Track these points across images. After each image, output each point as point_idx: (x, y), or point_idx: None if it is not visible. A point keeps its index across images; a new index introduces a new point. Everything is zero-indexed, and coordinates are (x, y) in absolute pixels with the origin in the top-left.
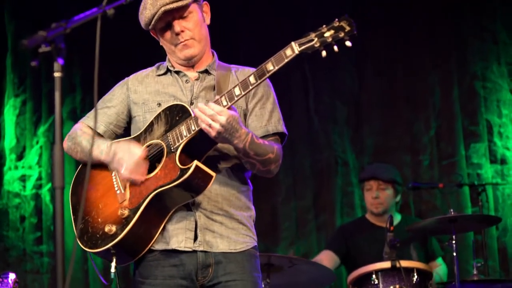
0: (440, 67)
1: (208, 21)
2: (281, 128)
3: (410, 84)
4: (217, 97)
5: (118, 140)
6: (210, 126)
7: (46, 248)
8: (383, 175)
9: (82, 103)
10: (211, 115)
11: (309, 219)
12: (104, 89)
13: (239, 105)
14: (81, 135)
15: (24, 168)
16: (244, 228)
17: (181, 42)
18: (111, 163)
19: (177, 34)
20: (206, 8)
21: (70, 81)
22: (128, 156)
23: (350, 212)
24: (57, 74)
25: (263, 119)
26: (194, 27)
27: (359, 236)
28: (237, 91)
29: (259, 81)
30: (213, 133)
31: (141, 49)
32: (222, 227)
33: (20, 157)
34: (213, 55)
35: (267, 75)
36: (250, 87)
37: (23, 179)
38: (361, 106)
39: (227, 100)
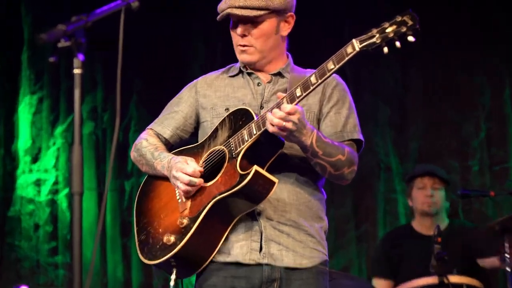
0: (490, 65)
1: (285, 33)
2: (357, 135)
3: (457, 83)
4: (278, 100)
5: (181, 149)
6: (284, 128)
7: (62, 259)
8: (440, 172)
9: (104, 102)
10: (282, 116)
11: (348, 229)
12: (128, 88)
13: (311, 110)
14: (146, 147)
15: (39, 172)
16: (313, 240)
17: (241, 45)
18: (170, 179)
19: (239, 35)
20: (291, 19)
21: (92, 78)
22: (181, 173)
23: (394, 222)
24: (77, 71)
25: (338, 125)
26: (259, 37)
27: (403, 246)
28: (298, 92)
29: (320, 81)
30: (284, 133)
31: (169, 43)
32: (289, 239)
33: (35, 159)
34: (287, 58)
35: (328, 74)
36: (312, 88)
37: (38, 183)
38: (405, 106)
39: (288, 101)
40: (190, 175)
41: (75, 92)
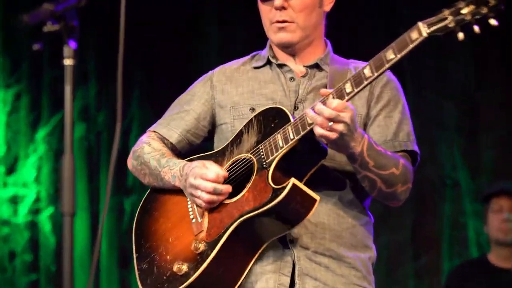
0: None
1: (327, 8)
2: (411, 145)
3: None
4: (324, 97)
5: (194, 157)
6: (331, 129)
7: None
8: None
9: (97, 99)
10: (331, 115)
11: (405, 261)
12: (128, 81)
13: (358, 112)
14: (149, 153)
15: (16, 186)
16: (358, 275)
17: (278, 21)
18: (185, 190)
19: (277, 9)
20: None
21: (82, 69)
22: (202, 180)
23: (463, 252)
24: (68, 62)
25: (389, 132)
26: (301, 10)
27: (476, 283)
28: (348, 87)
29: (376, 74)
30: (333, 137)
31: (177, 27)
32: (328, 273)
33: (10, 170)
34: (326, 45)
35: (387, 65)
36: (365, 82)
37: (14, 201)
38: (478, 107)
39: (336, 97)
40: (213, 181)
41: (66, 89)
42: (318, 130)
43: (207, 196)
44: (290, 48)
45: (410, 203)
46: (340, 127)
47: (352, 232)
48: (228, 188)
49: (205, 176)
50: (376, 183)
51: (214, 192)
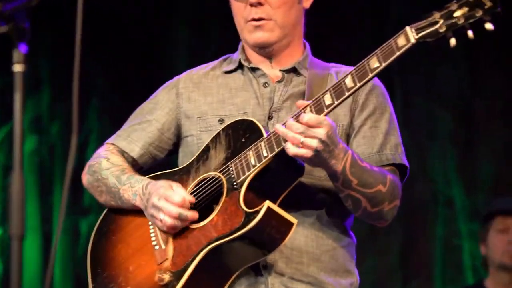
0: None
1: (307, 4)
2: (400, 158)
3: None
4: (300, 109)
5: (158, 174)
6: (303, 145)
7: None
8: None
9: (51, 108)
10: (302, 132)
11: (393, 286)
12: (85, 89)
13: (339, 122)
14: (107, 168)
15: None
16: None
17: (254, 19)
18: (145, 211)
19: (252, 5)
20: None
21: (34, 74)
22: (166, 202)
23: (456, 277)
24: (17, 68)
25: (375, 144)
26: (280, 6)
27: None
28: (327, 99)
29: (359, 85)
30: (307, 155)
31: (141, 27)
32: None
33: None
34: (304, 47)
35: (371, 75)
36: (347, 94)
37: None
38: (475, 116)
39: (314, 111)
40: (179, 205)
41: (16, 97)
42: (289, 148)
43: (170, 221)
44: (267, 49)
45: (398, 223)
46: (313, 143)
47: (333, 255)
48: (194, 215)
49: (171, 198)
50: (360, 203)
51: (179, 218)
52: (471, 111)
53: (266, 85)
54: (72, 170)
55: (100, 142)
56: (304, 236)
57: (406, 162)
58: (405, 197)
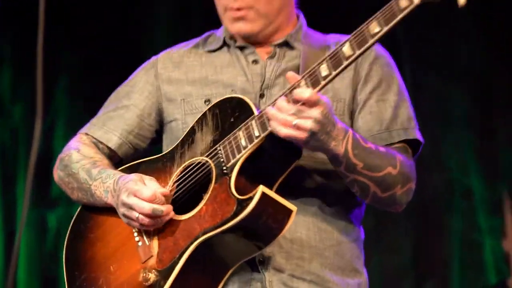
0: None
1: None
2: (413, 132)
3: None
4: (292, 84)
5: (135, 163)
6: (297, 127)
7: None
8: None
9: (13, 88)
10: (294, 113)
11: (406, 287)
12: (53, 67)
13: (340, 98)
14: (78, 161)
15: None
16: None
17: (233, 9)
18: (118, 209)
19: None
20: None
21: None
22: (136, 199)
23: (477, 277)
24: None
25: (384, 119)
26: None
27: None
28: (324, 70)
29: (358, 52)
30: (302, 136)
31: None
32: None
33: None
34: (297, 19)
35: (371, 41)
36: (345, 63)
37: None
38: (494, 97)
39: (309, 84)
40: (150, 201)
41: None
42: (280, 129)
43: (145, 220)
44: (251, 39)
45: (410, 216)
46: (308, 124)
47: (338, 251)
48: (168, 208)
49: (140, 193)
50: (368, 188)
51: (153, 214)
52: (490, 91)
53: (256, 62)
54: (36, 157)
55: (69, 127)
56: (305, 227)
57: (420, 137)
58: (417, 188)
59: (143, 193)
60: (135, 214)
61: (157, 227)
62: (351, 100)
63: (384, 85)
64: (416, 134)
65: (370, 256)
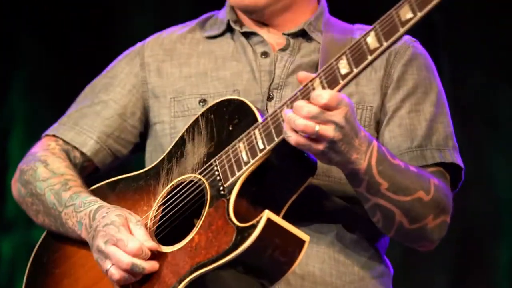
0: None
1: None
2: (451, 155)
3: None
4: (305, 84)
5: (116, 180)
6: (318, 136)
7: None
8: None
9: None
10: (316, 116)
11: None
12: (7, 55)
13: (365, 103)
14: (45, 179)
15: None
16: None
17: None
18: (92, 251)
19: None
20: None
21: None
22: (116, 249)
23: None
24: None
25: (415, 135)
26: None
27: None
28: (343, 66)
29: (386, 45)
30: (320, 147)
31: None
32: None
33: None
34: (317, 3)
35: (402, 30)
36: (369, 58)
37: None
38: None
39: (325, 84)
40: (134, 255)
41: None
42: (292, 137)
43: (118, 275)
44: (254, 15)
45: (448, 244)
46: (329, 131)
47: None
48: (152, 267)
49: (122, 245)
50: (393, 217)
51: (131, 271)
52: None
53: (265, 55)
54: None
55: (28, 128)
56: (319, 260)
57: (460, 161)
58: (457, 210)
59: (127, 246)
60: (107, 265)
61: (123, 285)
62: (379, 108)
63: (419, 92)
64: (455, 158)
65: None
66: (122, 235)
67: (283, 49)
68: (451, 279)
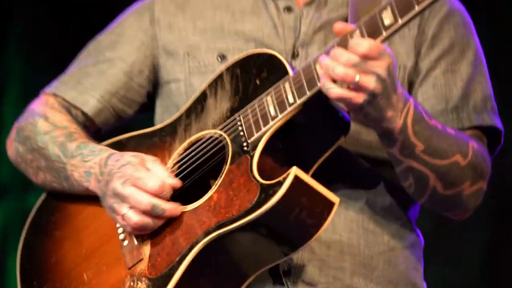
0: None
1: None
2: (490, 117)
3: None
4: (343, 34)
5: (127, 137)
6: (355, 85)
7: None
8: None
9: None
10: (354, 62)
11: None
12: (5, 10)
13: (400, 63)
14: (47, 132)
15: None
16: None
17: None
18: (103, 200)
19: None
20: None
21: None
22: (135, 189)
23: None
24: None
25: (451, 96)
26: None
27: None
28: (386, 17)
29: None
30: (358, 100)
31: None
32: None
33: None
34: None
35: None
36: (417, 9)
37: None
38: None
39: (366, 36)
40: (154, 194)
41: None
42: (331, 88)
43: (136, 218)
44: None
45: (482, 218)
46: (370, 83)
47: (390, 260)
48: (174, 209)
49: (142, 183)
50: (427, 181)
51: (152, 212)
52: None
53: (289, 10)
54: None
55: (24, 88)
56: (347, 228)
57: (499, 124)
58: (493, 176)
59: (147, 184)
60: (123, 209)
61: (145, 233)
62: (412, 68)
63: (456, 51)
64: (495, 120)
65: (426, 269)
66: (141, 174)
67: (308, 4)
68: (486, 253)
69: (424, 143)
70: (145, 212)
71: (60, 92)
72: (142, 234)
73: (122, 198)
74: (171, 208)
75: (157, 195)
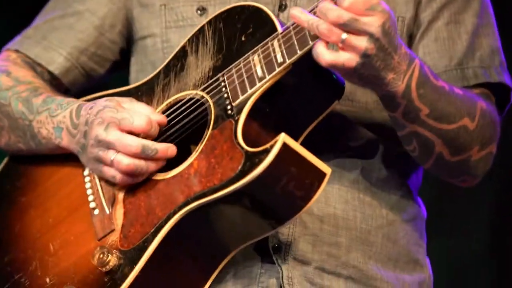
0: None
1: None
2: (498, 73)
3: None
4: None
5: (97, 96)
6: (344, 45)
7: None
8: None
9: None
10: (342, 20)
11: (479, 283)
12: None
13: (397, 14)
14: (10, 88)
15: None
16: None
17: None
18: (83, 153)
19: None
20: None
21: None
22: (120, 133)
23: None
24: None
25: (454, 50)
26: None
27: None
28: None
29: None
30: (351, 63)
31: None
32: None
33: None
34: None
35: None
36: None
37: None
38: None
39: None
40: (143, 131)
41: None
42: (321, 51)
43: (127, 160)
44: None
45: (489, 185)
46: (362, 42)
47: (390, 235)
48: (166, 149)
49: (128, 123)
50: (433, 147)
51: (142, 155)
52: None
53: None
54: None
55: None
56: (342, 200)
57: (508, 81)
58: (501, 143)
59: (134, 122)
60: (111, 155)
61: (132, 182)
62: (412, 19)
63: (459, 1)
64: (503, 76)
65: (429, 242)
66: (124, 114)
67: None
68: (493, 224)
69: (429, 107)
70: (135, 155)
71: (23, 49)
72: (113, 202)
73: (107, 145)
74: (163, 148)
75: (145, 132)
